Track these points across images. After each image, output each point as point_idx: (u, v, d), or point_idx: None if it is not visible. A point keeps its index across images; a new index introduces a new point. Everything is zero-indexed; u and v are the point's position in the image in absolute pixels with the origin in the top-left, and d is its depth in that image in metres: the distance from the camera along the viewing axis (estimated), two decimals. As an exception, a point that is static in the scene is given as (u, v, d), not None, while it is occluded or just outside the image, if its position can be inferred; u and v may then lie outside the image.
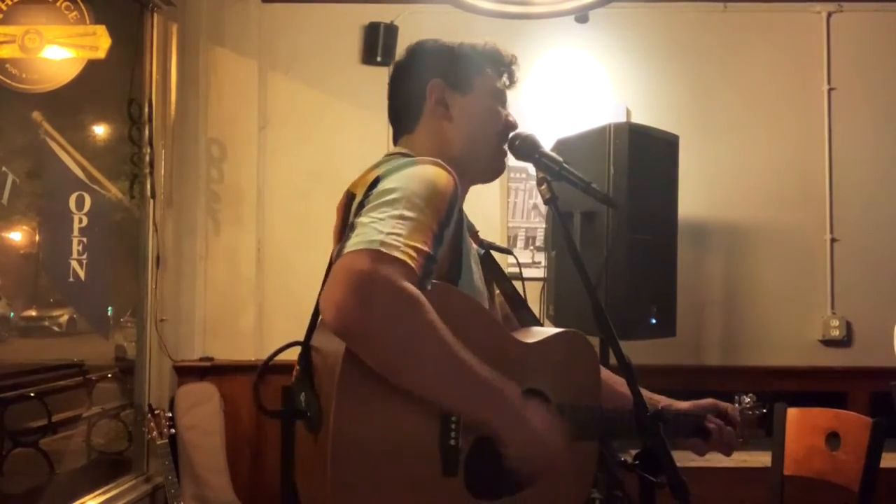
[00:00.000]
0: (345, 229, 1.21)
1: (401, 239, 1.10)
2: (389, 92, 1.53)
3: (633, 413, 1.33)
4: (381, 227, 1.10)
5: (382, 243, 1.08)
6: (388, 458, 1.11)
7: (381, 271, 1.05)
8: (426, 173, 1.23)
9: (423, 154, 1.34)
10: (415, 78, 1.45)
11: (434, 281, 1.17)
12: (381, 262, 1.06)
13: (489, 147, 1.43)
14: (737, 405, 1.59)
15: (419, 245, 1.11)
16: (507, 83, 1.49)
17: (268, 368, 1.22)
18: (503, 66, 1.47)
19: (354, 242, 1.09)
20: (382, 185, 1.22)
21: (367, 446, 1.09)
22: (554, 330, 1.40)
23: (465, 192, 1.44)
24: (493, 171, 1.47)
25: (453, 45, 1.46)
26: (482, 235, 1.55)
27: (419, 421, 1.13)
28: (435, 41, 1.48)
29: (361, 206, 1.21)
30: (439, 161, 1.28)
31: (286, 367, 1.22)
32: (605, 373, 1.53)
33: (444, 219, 1.19)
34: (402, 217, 1.13)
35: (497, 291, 1.54)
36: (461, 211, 1.30)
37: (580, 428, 1.32)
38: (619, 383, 1.50)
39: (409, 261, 1.08)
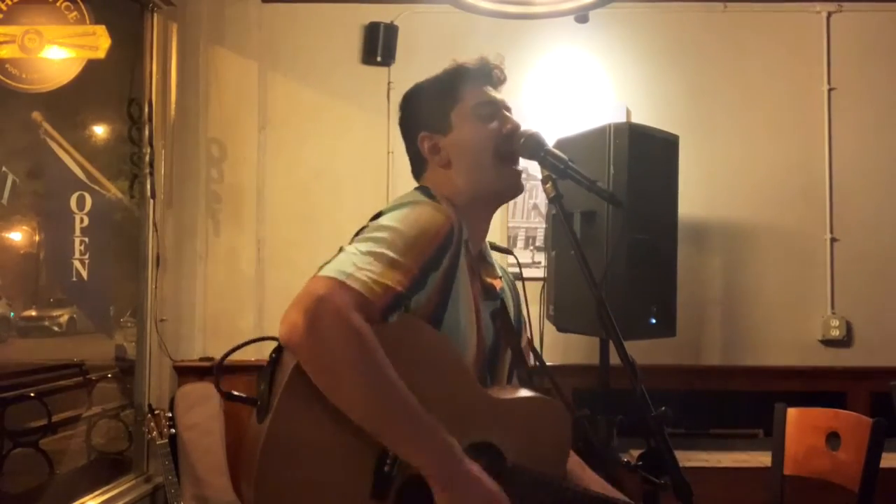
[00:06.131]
0: None
1: (371, 275, 1.14)
2: None
3: (594, 498, 1.34)
4: (356, 261, 1.16)
5: (349, 276, 1.13)
6: (318, 464, 1.13)
7: (335, 299, 1.10)
8: (420, 217, 1.26)
9: (441, 193, 1.36)
10: (410, 135, 1.48)
11: (406, 316, 1.20)
12: (339, 290, 1.11)
13: (488, 171, 1.40)
14: None
15: (390, 284, 1.15)
16: (495, 84, 1.46)
17: (242, 399, 1.24)
18: (477, 75, 1.45)
19: (327, 268, 1.15)
20: (379, 221, 1.26)
21: (299, 447, 1.13)
22: (533, 393, 1.38)
23: (483, 226, 1.46)
24: (505, 191, 1.46)
25: (426, 89, 1.47)
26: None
27: (359, 440, 1.14)
28: (414, 89, 1.49)
29: (359, 233, 1.26)
30: (441, 206, 1.30)
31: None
32: (580, 464, 1.52)
33: (428, 262, 1.22)
34: (381, 255, 1.17)
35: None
36: (456, 254, 1.29)
37: (530, 496, 1.29)
38: (592, 478, 1.49)
39: (369, 295, 1.13)
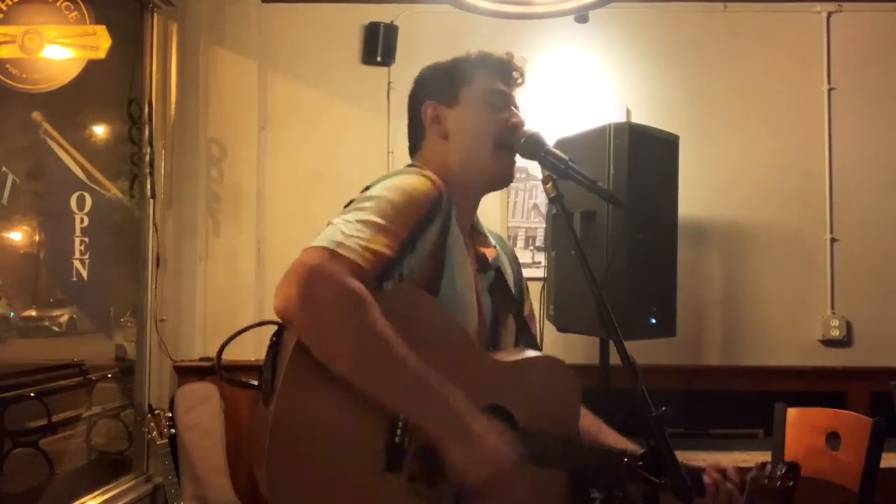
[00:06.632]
0: None
1: (361, 242, 1.15)
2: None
3: (609, 453, 1.34)
4: (344, 229, 1.17)
5: (339, 244, 1.14)
6: (328, 441, 1.13)
7: (328, 267, 1.11)
8: (406, 183, 1.27)
9: (431, 168, 1.37)
10: (415, 104, 1.48)
11: (403, 284, 1.20)
12: (331, 259, 1.12)
13: (485, 156, 1.41)
14: (755, 470, 1.42)
15: (380, 249, 1.16)
16: (510, 82, 1.46)
17: (245, 385, 1.24)
18: (496, 67, 1.45)
19: (317, 239, 1.16)
20: (365, 192, 1.28)
21: (306, 426, 1.12)
22: (537, 353, 1.38)
23: (471, 204, 1.46)
24: (497, 178, 1.46)
25: (444, 64, 1.47)
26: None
27: (367, 413, 1.14)
28: (432, 64, 1.50)
29: (348, 206, 1.27)
30: (426, 172, 1.32)
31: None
32: (596, 422, 1.52)
33: (416, 227, 1.22)
34: (368, 222, 1.18)
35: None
36: (446, 221, 1.30)
37: (547, 455, 1.29)
38: (609, 434, 1.49)
39: (362, 262, 1.13)
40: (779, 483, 1.41)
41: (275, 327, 1.22)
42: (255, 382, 1.21)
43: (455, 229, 1.33)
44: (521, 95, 1.50)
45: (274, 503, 1.13)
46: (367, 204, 1.22)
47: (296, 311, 1.10)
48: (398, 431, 1.16)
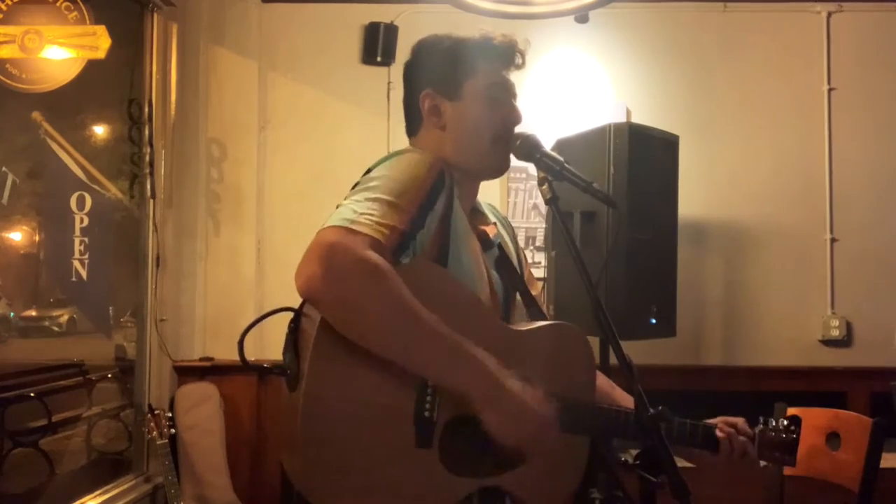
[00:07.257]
0: None
1: (373, 218, 1.16)
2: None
3: (627, 414, 1.35)
4: (355, 208, 1.18)
5: (353, 221, 1.15)
6: (358, 421, 1.14)
7: (346, 242, 1.11)
8: (408, 161, 1.29)
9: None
10: (413, 85, 1.46)
11: (418, 259, 1.22)
12: (348, 235, 1.12)
13: (482, 151, 1.41)
14: (761, 425, 1.49)
15: (392, 223, 1.17)
16: (511, 68, 1.45)
17: (269, 370, 1.25)
18: (499, 54, 1.43)
19: (330, 220, 1.17)
20: (369, 174, 1.29)
21: (337, 407, 1.13)
22: (549, 322, 1.40)
23: (472, 187, 1.47)
24: (492, 170, 1.46)
25: (445, 47, 1.44)
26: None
27: (394, 390, 1.16)
28: (432, 41, 1.46)
29: (354, 189, 1.28)
30: (426, 152, 1.33)
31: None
32: (609, 382, 1.54)
33: (424, 202, 1.24)
34: (377, 199, 1.19)
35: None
36: (449, 197, 1.31)
37: (569, 421, 1.31)
38: (621, 395, 1.51)
39: (378, 236, 1.14)
40: (784, 435, 1.48)
41: (291, 315, 1.24)
42: (272, 366, 1.23)
43: (458, 206, 1.34)
44: (521, 95, 1.49)
45: (309, 487, 1.14)
46: (373, 184, 1.23)
47: (320, 287, 1.10)
48: (426, 405, 1.18)
